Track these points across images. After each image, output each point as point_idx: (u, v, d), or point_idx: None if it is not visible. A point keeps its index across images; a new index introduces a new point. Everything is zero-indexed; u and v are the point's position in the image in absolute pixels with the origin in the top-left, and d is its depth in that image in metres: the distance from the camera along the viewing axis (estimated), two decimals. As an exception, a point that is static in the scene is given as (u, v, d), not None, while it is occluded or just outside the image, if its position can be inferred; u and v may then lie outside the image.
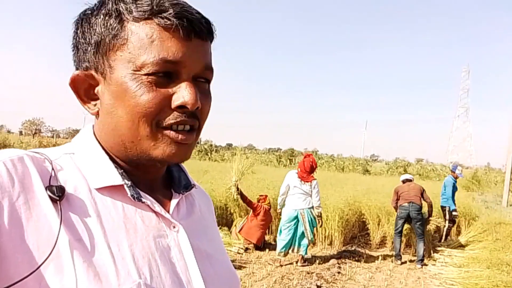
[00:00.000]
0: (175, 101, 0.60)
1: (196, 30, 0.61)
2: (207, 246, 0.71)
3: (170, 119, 0.60)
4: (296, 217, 6.03)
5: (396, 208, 6.91)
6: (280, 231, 6.19)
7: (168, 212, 0.66)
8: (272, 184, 9.26)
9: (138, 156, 0.63)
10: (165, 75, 0.60)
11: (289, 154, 38.82)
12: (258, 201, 7.03)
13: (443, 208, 8.05)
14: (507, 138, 17.69)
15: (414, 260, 6.81)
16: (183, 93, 0.60)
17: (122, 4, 0.60)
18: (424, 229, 6.79)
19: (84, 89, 0.64)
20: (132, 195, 0.61)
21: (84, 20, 0.63)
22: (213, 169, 15.55)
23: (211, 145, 41.62)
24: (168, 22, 0.59)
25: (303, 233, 6.02)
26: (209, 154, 36.51)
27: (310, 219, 6.04)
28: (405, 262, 6.84)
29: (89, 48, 0.62)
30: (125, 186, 0.61)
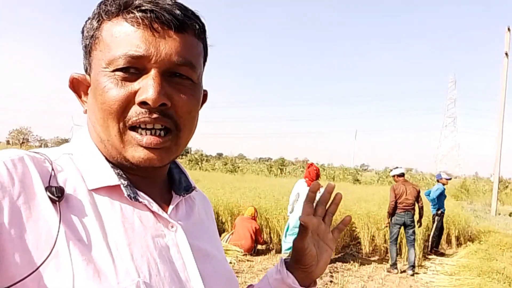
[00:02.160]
0: (138, 97, 0.58)
1: (164, 21, 0.59)
2: (206, 245, 0.70)
3: (133, 116, 0.58)
4: None
5: (393, 208, 6.64)
6: (285, 234, 6.53)
7: (166, 212, 0.66)
8: (264, 193, 9.25)
9: (116, 156, 0.62)
10: (134, 70, 0.59)
11: (279, 164, 38.92)
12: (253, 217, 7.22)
13: (433, 216, 8.11)
14: (494, 147, 17.97)
15: (405, 270, 6.82)
16: (145, 88, 0.58)
17: (103, 6, 0.62)
18: (415, 236, 6.77)
19: (83, 91, 0.67)
20: (128, 195, 0.61)
21: (83, 27, 0.65)
22: (204, 178, 15.52)
23: (201, 155, 41.54)
24: (132, 15, 0.59)
25: None
26: (199, 163, 36.42)
27: None
28: (400, 271, 6.83)
29: (83, 52, 0.65)
30: (121, 186, 0.61)
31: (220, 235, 7.55)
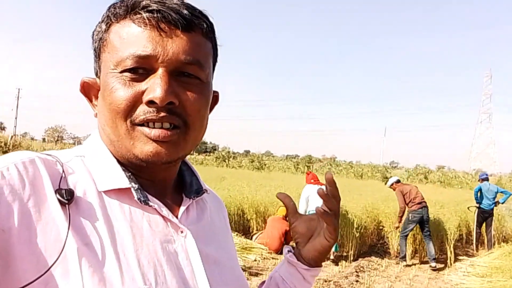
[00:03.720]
0: (145, 96, 0.58)
1: (170, 21, 0.59)
2: (216, 252, 0.69)
3: (141, 115, 0.59)
4: None
5: (404, 209, 7.07)
6: None
7: (177, 216, 0.65)
8: (289, 190, 9.21)
9: (126, 156, 0.62)
10: (142, 71, 0.59)
11: (306, 161, 38.69)
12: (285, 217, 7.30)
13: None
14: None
15: (437, 269, 6.69)
16: (152, 87, 0.58)
17: (111, 9, 0.62)
18: (430, 231, 7.06)
19: (94, 94, 0.67)
20: (138, 198, 0.60)
21: (93, 31, 0.66)
22: (231, 175, 15.60)
23: (228, 152, 41.79)
24: (139, 16, 0.59)
25: None
26: (226, 160, 36.66)
27: None
28: (413, 264, 6.99)
29: (93, 55, 0.66)
30: (132, 189, 0.60)
31: (247, 232, 7.61)
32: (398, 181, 7.49)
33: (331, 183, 0.74)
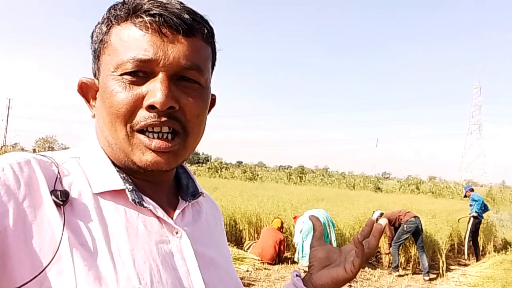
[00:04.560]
0: (146, 100, 0.58)
1: (172, 25, 0.59)
2: (211, 253, 0.69)
3: (142, 121, 0.58)
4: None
5: (392, 236, 7.14)
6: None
7: (172, 218, 0.65)
8: (282, 200, 9.21)
9: (124, 160, 0.62)
10: (142, 74, 0.59)
11: (299, 172, 38.66)
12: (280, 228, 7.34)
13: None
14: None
15: (430, 279, 6.68)
16: (153, 92, 0.58)
17: (112, 11, 0.63)
18: (423, 243, 7.08)
19: (91, 95, 0.67)
20: (133, 200, 0.60)
21: (92, 32, 0.66)
22: (223, 186, 15.56)
23: (221, 163, 41.66)
24: (140, 19, 0.59)
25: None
26: (219, 171, 36.55)
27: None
28: (405, 275, 6.92)
29: (92, 56, 0.66)
30: (126, 190, 0.61)
31: (239, 243, 7.56)
32: (381, 214, 7.42)
33: (381, 230, 0.74)
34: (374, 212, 7.57)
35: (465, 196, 9.05)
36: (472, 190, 9.07)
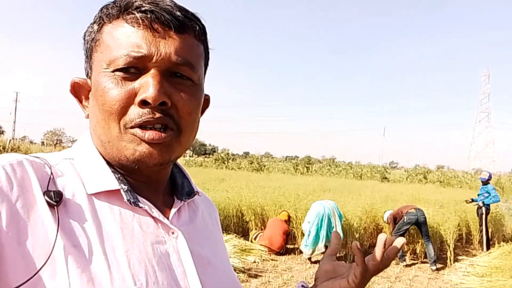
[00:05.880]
0: (138, 97, 0.58)
1: (164, 22, 0.59)
2: (208, 253, 0.69)
3: (136, 119, 0.58)
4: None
5: (394, 228, 7.07)
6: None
7: (168, 218, 0.65)
8: (288, 191, 9.21)
9: (117, 157, 0.61)
10: (134, 70, 0.59)
11: (306, 162, 38.66)
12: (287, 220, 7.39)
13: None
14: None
15: (437, 269, 6.68)
16: (145, 87, 0.58)
17: (104, 10, 0.63)
18: (429, 233, 7.02)
19: (84, 95, 0.67)
20: (128, 200, 0.60)
21: (84, 32, 0.66)
22: (230, 177, 15.61)
23: (227, 154, 41.72)
24: (132, 16, 0.59)
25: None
26: (225, 162, 36.64)
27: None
28: (412, 264, 6.85)
29: (84, 56, 0.66)
30: (121, 190, 0.60)
31: (246, 234, 7.60)
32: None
33: (397, 251, 0.73)
34: (385, 212, 7.56)
35: (487, 182, 8.55)
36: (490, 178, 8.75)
